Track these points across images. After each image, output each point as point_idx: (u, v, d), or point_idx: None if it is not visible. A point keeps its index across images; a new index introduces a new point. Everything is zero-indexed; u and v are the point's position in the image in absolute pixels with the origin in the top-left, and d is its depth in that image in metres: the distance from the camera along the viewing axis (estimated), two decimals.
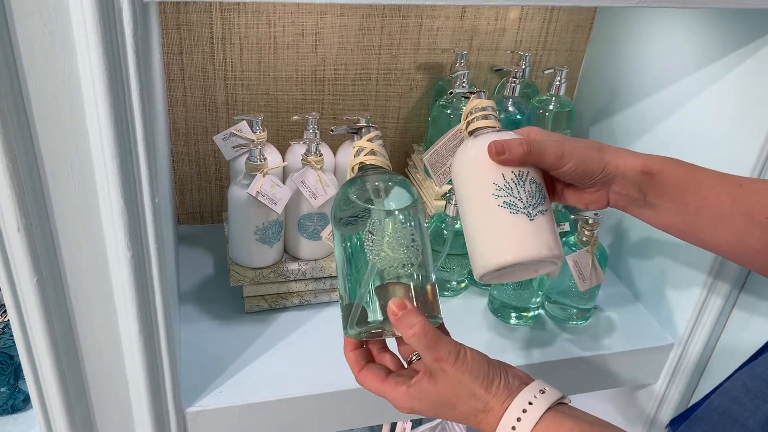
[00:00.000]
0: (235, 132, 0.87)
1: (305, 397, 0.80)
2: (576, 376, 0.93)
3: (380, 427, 1.24)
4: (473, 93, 0.66)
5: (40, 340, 0.62)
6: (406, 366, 0.63)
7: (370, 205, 0.60)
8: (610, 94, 1.08)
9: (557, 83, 1.00)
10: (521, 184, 0.58)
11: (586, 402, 1.19)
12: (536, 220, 0.57)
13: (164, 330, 0.67)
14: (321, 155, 0.86)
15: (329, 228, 0.72)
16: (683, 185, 0.61)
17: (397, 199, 0.61)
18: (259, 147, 0.82)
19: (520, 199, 0.57)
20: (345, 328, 0.61)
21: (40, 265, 0.58)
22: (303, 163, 0.86)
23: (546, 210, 0.58)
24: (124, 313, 0.64)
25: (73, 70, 0.51)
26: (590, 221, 0.89)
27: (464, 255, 0.96)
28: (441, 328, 0.63)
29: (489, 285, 0.97)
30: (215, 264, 1.01)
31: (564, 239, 0.94)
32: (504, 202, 0.57)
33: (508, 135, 0.61)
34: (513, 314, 0.94)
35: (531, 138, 0.60)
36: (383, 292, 0.59)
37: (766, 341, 0.68)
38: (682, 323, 0.93)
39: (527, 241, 0.57)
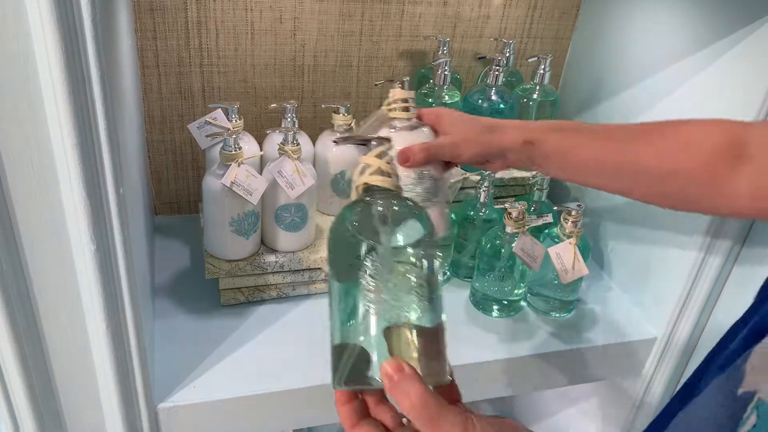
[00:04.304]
0: (209, 120, 0.85)
1: (282, 392, 0.78)
2: (559, 370, 0.92)
3: None
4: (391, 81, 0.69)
5: (3, 336, 0.59)
6: (405, 422, 0.52)
7: (371, 239, 0.51)
8: (596, 83, 1.06)
9: (541, 71, 0.98)
10: (421, 182, 0.70)
11: (571, 392, 1.18)
12: (429, 209, 0.65)
13: (133, 325, 0.65)
14: (299, 145, 0.84)
15: None
16: (561, 150, 0.67)
17: (406, 231, 0.53)
18: (234, 136, 0.80)
19: (419, 194, 0.69)
20: (333, 381, 0.51)
21: (0, 259, 0.55)
22: (280, 153, 0.84)
23: (438, 201, 0.70)
24: (91, 308, 0.62)
25: (28, 56, 0.49)
26: (573, 212, 0.87)
27: (447, 245, 0.95)
28: (451, 387, 0.53)
29: (471, 276, 0.96)
30: (192, 255, 0.99)
31: (546, 231, 0.93)
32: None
33: (417, 135, 0.70)
34: (495, 307, 0.93)
35: (439, 120, 0.71)
36: (381, 339, 0.49)
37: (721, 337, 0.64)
38: (665, 316, 0.92)
39: None
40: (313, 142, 0.93)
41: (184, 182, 1.05)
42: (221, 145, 0.81)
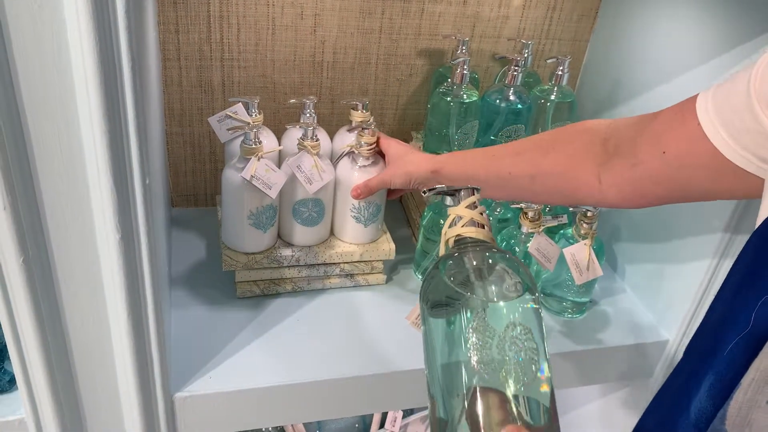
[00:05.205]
0: (230, 114, 0.85)
1: (295, 384, 0.79)
2: (570, 371, 0.92)
3: (371, 416, 1.24)
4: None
5: (26, 321, 0.60)
6: None
7: (472, 295, 0.48)
8: (613, 86, 1.06)
9: (559, 73, 0.98)
10: (367, 207, 0.89)
11: (582, 393, 1.19)
12: (368, 226, 0.91)
13: (153, 314, 0.66)
14: (318, 140, 0.84)
15: (416, 310, 0.58)
16: (459, 173, 0.78)
17: (507, 286, 0.50)
18: (255, 130, 0.81)
19: (363, 215, 0.90)
20: None
21: (26, 245, 0.56)
22: (299, 148, 0.85)
23: (377, 220, 0.92)
24: (113, 296, 0.63)
25: (62, 44, 0.50)
26: (589, 214, 0.88)
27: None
28: None
29: None
30: (208, 248, 0.99)
31: (561, 232, 0.94)
32: (353, 215, 0.90)
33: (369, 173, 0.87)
34: None
35: (385, 152, 0.86)
36: (488, 407, 0.45)
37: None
38: (678, 319, 0.92)
39: (360, 235, 0.91)
40: (331, 138, 0.94)
41: (202, 175, 1.06)
42: (241, 138, 0.82)
